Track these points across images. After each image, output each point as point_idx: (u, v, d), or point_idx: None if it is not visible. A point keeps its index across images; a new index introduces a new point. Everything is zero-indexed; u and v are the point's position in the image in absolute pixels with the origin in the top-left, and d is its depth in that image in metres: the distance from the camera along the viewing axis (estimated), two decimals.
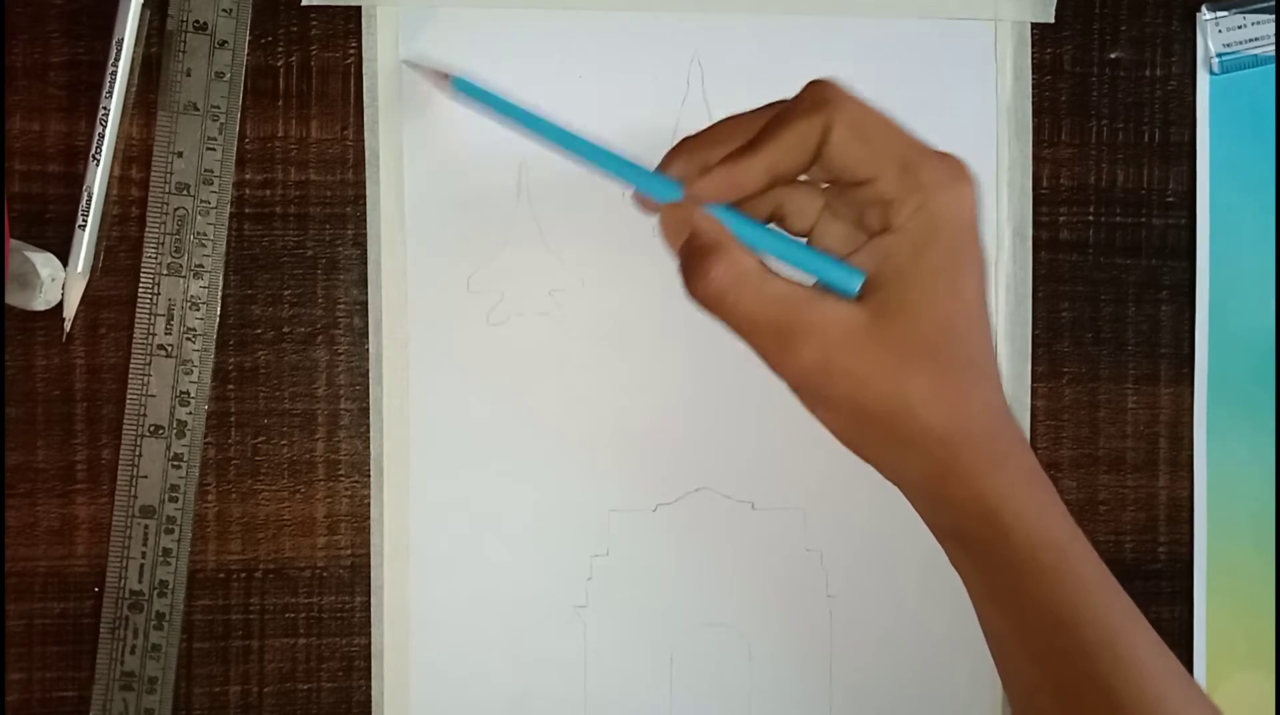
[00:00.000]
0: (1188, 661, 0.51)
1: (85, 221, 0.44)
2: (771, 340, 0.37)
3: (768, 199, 0.39)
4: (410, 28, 0.46)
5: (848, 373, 0.37)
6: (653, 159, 0.38)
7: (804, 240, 0.39)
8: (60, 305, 0.44)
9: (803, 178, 0.38)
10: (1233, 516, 0.51)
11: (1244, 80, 0.50)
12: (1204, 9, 0.50)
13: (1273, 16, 0.50)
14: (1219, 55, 0.49)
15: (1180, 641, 0.51)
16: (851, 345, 0.36)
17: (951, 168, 0.37)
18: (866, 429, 0.39)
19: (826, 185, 0.39)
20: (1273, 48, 0.50)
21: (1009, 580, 0.39)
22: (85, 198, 0.44)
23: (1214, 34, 0.49)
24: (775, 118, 0.37)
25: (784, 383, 0.38)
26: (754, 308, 0.37)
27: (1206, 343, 0.50)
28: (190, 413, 0.45)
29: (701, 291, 0.37)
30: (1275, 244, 0.50)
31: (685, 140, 0.38)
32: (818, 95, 0.37)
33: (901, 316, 0.37)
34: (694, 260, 0.37)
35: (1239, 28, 0.50)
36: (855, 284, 0.37)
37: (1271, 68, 0.50)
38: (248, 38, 0.45)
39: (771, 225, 0.39)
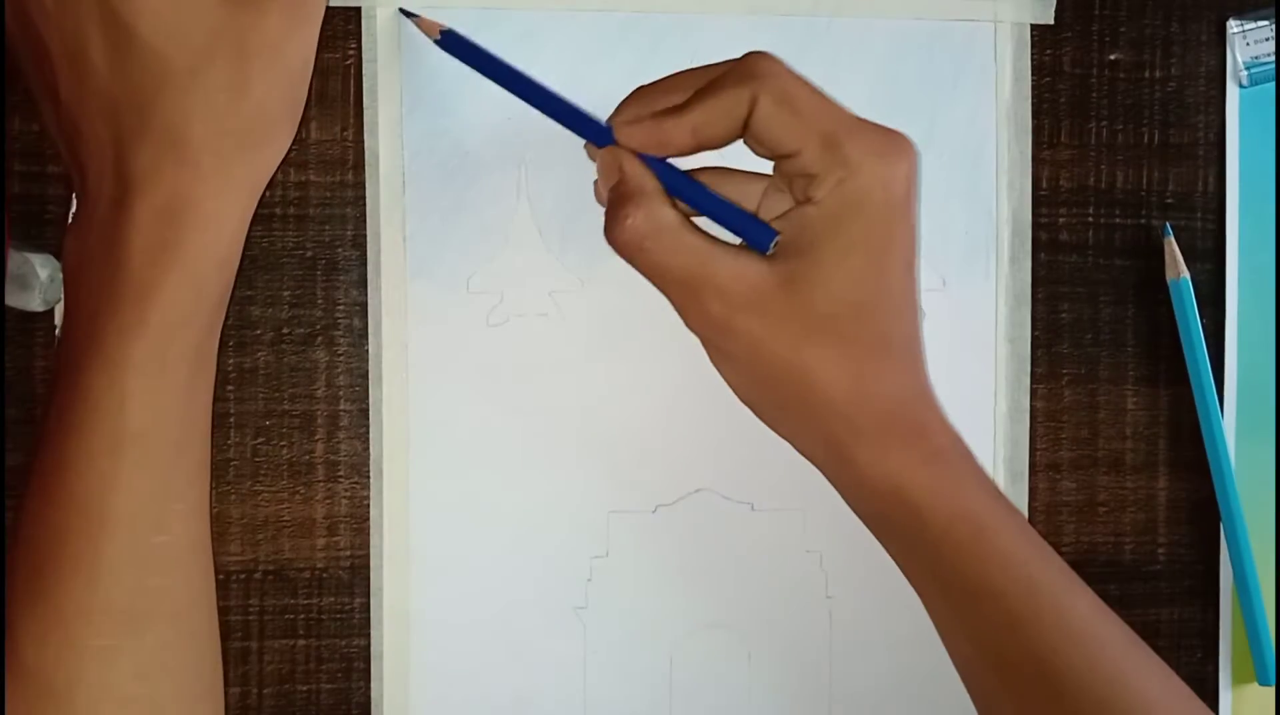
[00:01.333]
0: (1205, 666, 0.51)
1: (65, 234, 0.44)
2: (681, 290, 0.38)
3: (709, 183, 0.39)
4: (410, 28, 0.46)
5: (748, 332, 0.37)
6: None
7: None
8: (59, 306, 0.44)
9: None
10: (1256, 520, 0.50)
11: (1265, 90, 0.50)
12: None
13: None
14: (1247, 67, 0.49)
15: (1181, 643, 0.51)
16: (755, 306, 0.37)
17: (885, 143, 0.37)
18: (763, 390, 0.39)
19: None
20: None
21: (929, 557, 0.39)
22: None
23: (1241, 46, 0.49)
24: (706, 86, 0.38)
25: (692, 333, 0.39)
26: (666, 257, 0.37)
27: (1236, 347, 0.50)
28: None
29: (618, 237, 0.38)
30: (1276, 245, 0.50)
31: (640, 88, 0.39)
32: (750, 68, 0.37)
33: (807, 286, 0.37)
34: (616, 206, 0.38)
35: (1266, 39, 0.50)
36: (768, 242, 0.37)
37: None
38: None
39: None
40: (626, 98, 0.39)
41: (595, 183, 0.41)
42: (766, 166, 0.40)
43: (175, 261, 0.37)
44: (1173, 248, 0.49)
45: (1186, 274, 0.48)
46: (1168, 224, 0.49)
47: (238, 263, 0.39)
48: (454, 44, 0.42)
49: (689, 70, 0.39)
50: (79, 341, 0.37)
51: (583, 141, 0.41)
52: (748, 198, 0.40)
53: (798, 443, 0.40)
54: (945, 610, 0.41)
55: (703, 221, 0.39)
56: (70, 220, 0.40)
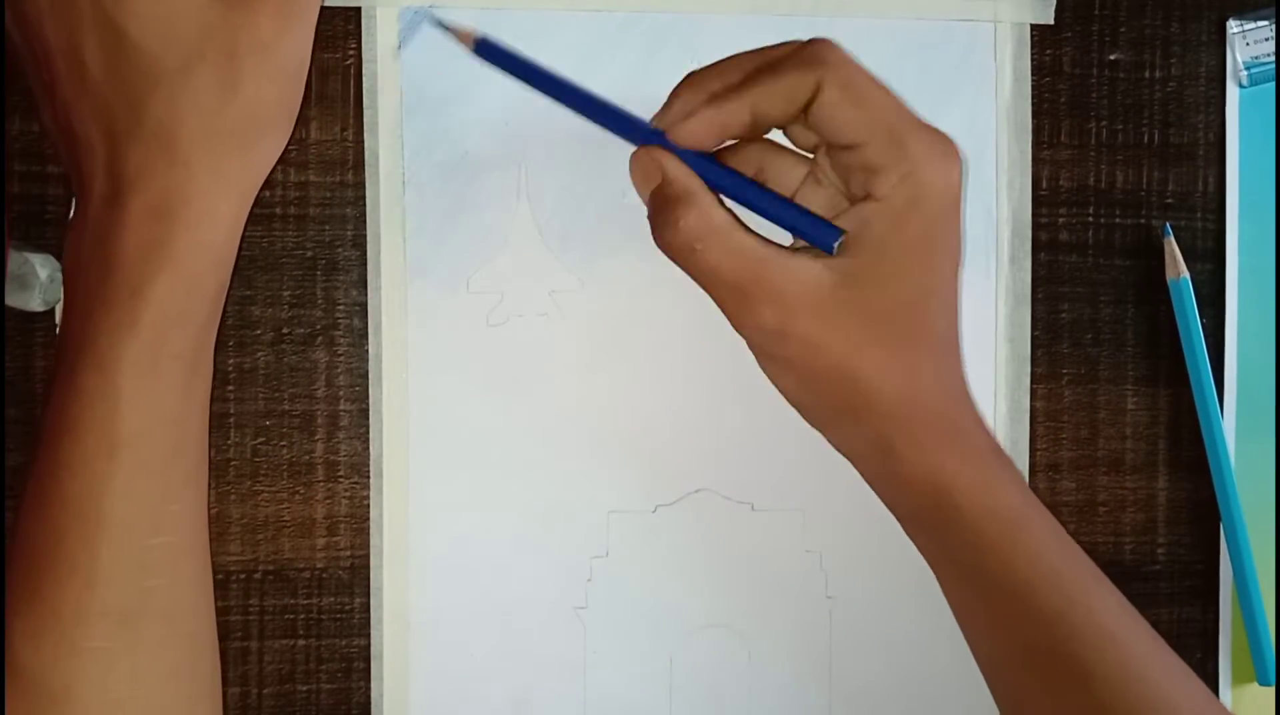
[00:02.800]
0: (1205, 666, 0.51)
1: (65, 234, 0.44)
2: (734, 296, 0.37)
3: (750, 157, 0.39)
4: (410, 29, 0.46)
5: (804, 337, 0.37)
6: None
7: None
8: (59, 306, 0.44)
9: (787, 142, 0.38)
10: (1257, 521, 0.50)
11: (1265, 90, 0.50)
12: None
13: None
14: (1247, 68, 0.49)
15: (1181, 644, 0.50)
16: (811, 309, 0.36)
17: (942, 143, 0.37)
18: (817, 395, 0.39)
19: (811, 156, 0.39)
20: None
21: (963, 554, 0.39)
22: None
23: (1241, 46, 0.49)
24: (768, 64, 0.37)
25: (741, 338, 0.38)
26: (720, 261, 0.36)
27: (1236, 347, 0.50)
28: None
29: (669, 240, 0.37)
30: (1276, 245, 0.50)
31: (691, 74, 0.38)
32: (815, 53, 0.36)
33: (870, 285, 0.37)
34: (665, 208, 0.37)
35: (1266, 39, 0.50)
36: (833, 241, 0.37)
37: None
38: None
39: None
40: (676, 88, 0.38)
41: (631, 171, 0.39)
42: None
43: (167, 260, 0.36)
44: (1173, 248, 0.49)
45: (1186, 274, 0.48)
46: (1168, 224, 0.49)
47: (233, 262, 0.39)
48: (490, 52, 0.41)
49: (745, 53, 0.38)
50: (74, 341, 0.37)
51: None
52: (787, 178, 0.39)
53: (843, 442, 0.40)
54: (976, 607, 0.41)
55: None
56: (70, 220, 0.40)
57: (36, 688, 0.36)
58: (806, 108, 0.36)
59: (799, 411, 0.40)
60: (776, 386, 0.39)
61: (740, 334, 0.38)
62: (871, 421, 0.38)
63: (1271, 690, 0.50)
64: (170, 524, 0.38)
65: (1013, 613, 0.39)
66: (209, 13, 0.37)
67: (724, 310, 0.38)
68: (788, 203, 0.38)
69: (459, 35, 0.41)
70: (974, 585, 0.40)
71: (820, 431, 0.40)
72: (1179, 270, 0.48)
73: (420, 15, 0.46)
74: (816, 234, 0.37)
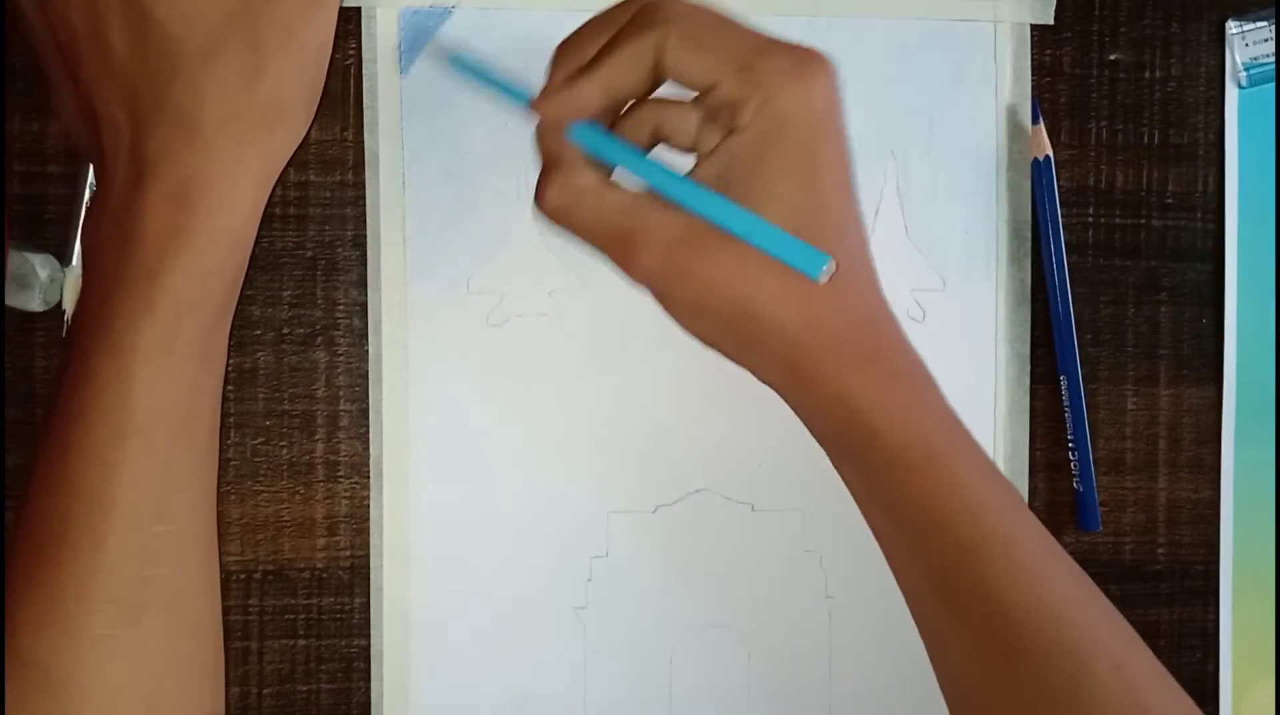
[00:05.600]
0: (1205, 666, 0.51)
1: (83, 217, 0.44)
2: (615, 247, 0.38)
3: (645, 120, 0.39)
4: (410, 29, 0.46)
5: (689, 273, 0.37)
6: None
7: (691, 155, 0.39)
8: (59, 306, 0.44)
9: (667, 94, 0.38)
10: (1257, 522, 0.50)
11: (1265, 90, 0.50)
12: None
13: None
14: (1246, 68, 0.49)
15: (1181, 643, 0.51)
16: (691, 246, 0.37)
17: (798, 63, 0.37)
18: (720, 330, 0.39)
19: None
20: None
21: (880, 479, 0.39)
22: (86, 193, 0.44)
23: (1241, 47, 0.49)
24: (610, 41, 0.37)
25: (636, 285, 0.38)
26: (592, 220, 0.37)
27: (1235, 347, 0.50)
28: None
29: (543, 207, 0.38)
30: (1276, 250, 0.50)
31: (560, 45, 0.39)
32: (650, 12, 0.37)
33: None
34: (539, 178, 0.38)
35: (1265, 40, 0.50)
36: (820, 268, 0.36)
37: None
38: None
39: (659, 148, 0.39)
40: (551, 60, 0.39)
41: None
42: None
43: (185, 246, 0.37)
44: (1041, 133, 0.49)
45: (1050, 153, 0.48)
46: (1036, 103, 0.49)
47: (249, 250, 0.39)
48: (462, 66, 0.42)
49: (594, 19, 0.38)
50: (89, 326, 0.37)
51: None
52: (683, 131, 0.39)
53: (758, 373, 0.40)
54: (894, 537, 0.40)
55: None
56: (88, 205, 0.40)
57: (37, 675, 0.36)
58: (656, 68, 0.37)
59: (710, 347, 0.40)
60: (682, 327, 0.39)
61: (635, 283, 0.38)
62: (775, 349, 0.38)
63: (1271, 690, 0.50)
64: (177, 512, 0.38)
65: (928, 544, 0.39)
66: None
67: (615, 265, 0.38)
68: (650, 162, 0.38)
69: (434, 53, 0.42)
70: (891, 514, 0.40)
71: (736, 363, 0.40)
72: (1044, 149, 0.48)
73: (424, 32, 0.46)
74: (803, 262, 0.37)
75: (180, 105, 0.36)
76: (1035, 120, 0.48)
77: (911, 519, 0.39)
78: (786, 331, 0.37)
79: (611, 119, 0.39)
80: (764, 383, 0.40)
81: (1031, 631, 0.38)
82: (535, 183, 0.38)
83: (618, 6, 0.38)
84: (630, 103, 0.39)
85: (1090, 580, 0.40)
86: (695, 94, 0.38)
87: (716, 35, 0.37)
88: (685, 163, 0.38)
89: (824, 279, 0.36)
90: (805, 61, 0.37)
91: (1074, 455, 0.49)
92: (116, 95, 0.37)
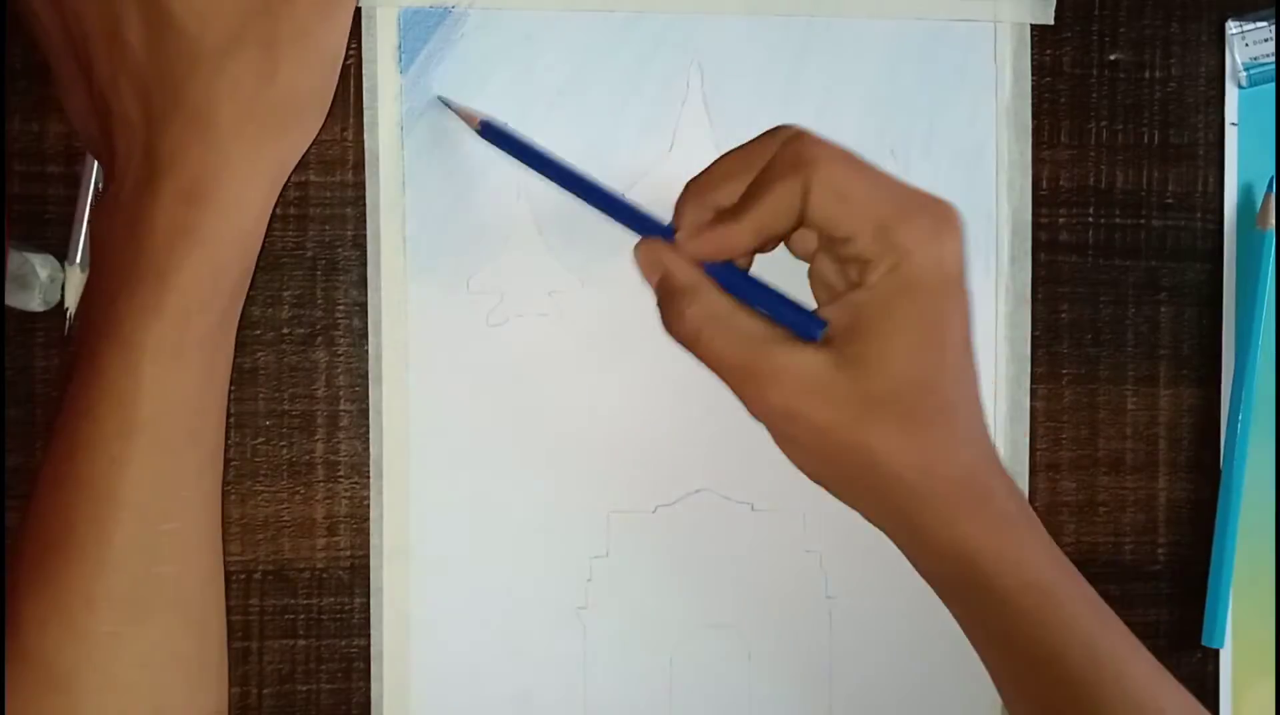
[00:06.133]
0: (1205, 667, 0.51)
1: (86, 215, 0.44)
2: (741, 380, 0.38)
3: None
4: (410, 28, 0.46)
5: (809, 417, 0.37)
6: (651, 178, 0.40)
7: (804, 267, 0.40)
8: (59, 306, 0.44)
9: None
10: (1256, 523, 0.50)
11: (1264, 90, 0.50)
12: (1231, 22, 0.50)
13: None
14: (1246, 68, 0.49)
15: (1181, 644, 0.51)
16: (814, 394, 0.37)
17: (934, 223, 0.37)
18: (834, 473, 0.39)
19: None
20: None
21: (993, 622, 0.40)
22: (87, 191, 0.44)
23: (1240, 47, 0.49)
24: (757, 181, 0.37)
25: (755, 419, 0.39)
26: (724, 348, 0.38)
27: (1232, 348, 0.50)
28: None
29: (677, 330, 0.38)
30: (1276, 251, 0.50)
31: (691, 183, 0.39)
32: (796, 156, 0.37)
33: (863, 369, 0.37)
34: (670, 300, 0.38)
35: (1265, 40, 0.50)
36: (817, 331, 0.37)
37: None
38: None
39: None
40: (681, 197, 0.39)
41: (636, 260, 0.40)
42: None
43: (195, 244, 0.37)
44: (1270, 201, 0.48)
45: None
46: (1230, 20, 0.49)
47: (258, 249, 0.39)
48: (492, 134, 0.42)
49: (733, 154, 0.39)
50: (97, 324, 0.37)
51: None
52: (803, 244, 0.39)
53: (868, 515, 0.40)
54: (1008, 673, 0.41)
55: None
56: (94, 202, 0.40)
57: (41, 671, 0.36)
58: (803, 210, 0.37)
59: (822, 486, 0.40)
60: (796, 465, 0.40)
61: (754, 417, 0.39)
62: (890, 497, 0.38)
63: (1271, 691, 0.50)
64: (183, 510, 0.38)
65: (1042, 680, 0.39)
66: None
67: (737, 394, 0.38)
68: (774, 293, 0.38)
69: (462, 116, 0.42)
70: (1004, 651, 0.40)
71: (846, 504, 0.40)
72: (1268, 222, 0.48)
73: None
74: (801, 325, 0.38)
75: (195, 103, 0.37)
76: (1271, 188, 0.48)
77: (1026, 656, 0.39)
78: (902, 478, 0.37)
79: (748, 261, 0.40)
80: (871, 522, 0.40)
81: None
82: (658, 304, 0.39)
83: (754, 145, 0.38)
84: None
85: (1196, 702, 0.40)
86: None
87: (859, 188, 0.37)
88: None
89: (820, 339, 0.37)
90: (941, 224, 0.37)
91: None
92: (131, 92, 0.37)
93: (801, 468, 0.40)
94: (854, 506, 0.40)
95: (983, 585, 0.39)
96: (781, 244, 0.39)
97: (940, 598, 0.41)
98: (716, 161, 0.39)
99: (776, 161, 0.37)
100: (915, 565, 0.41)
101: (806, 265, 0.40)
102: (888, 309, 0.37)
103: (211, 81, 0.37)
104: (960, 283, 0.37)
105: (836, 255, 0.38)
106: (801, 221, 0.37)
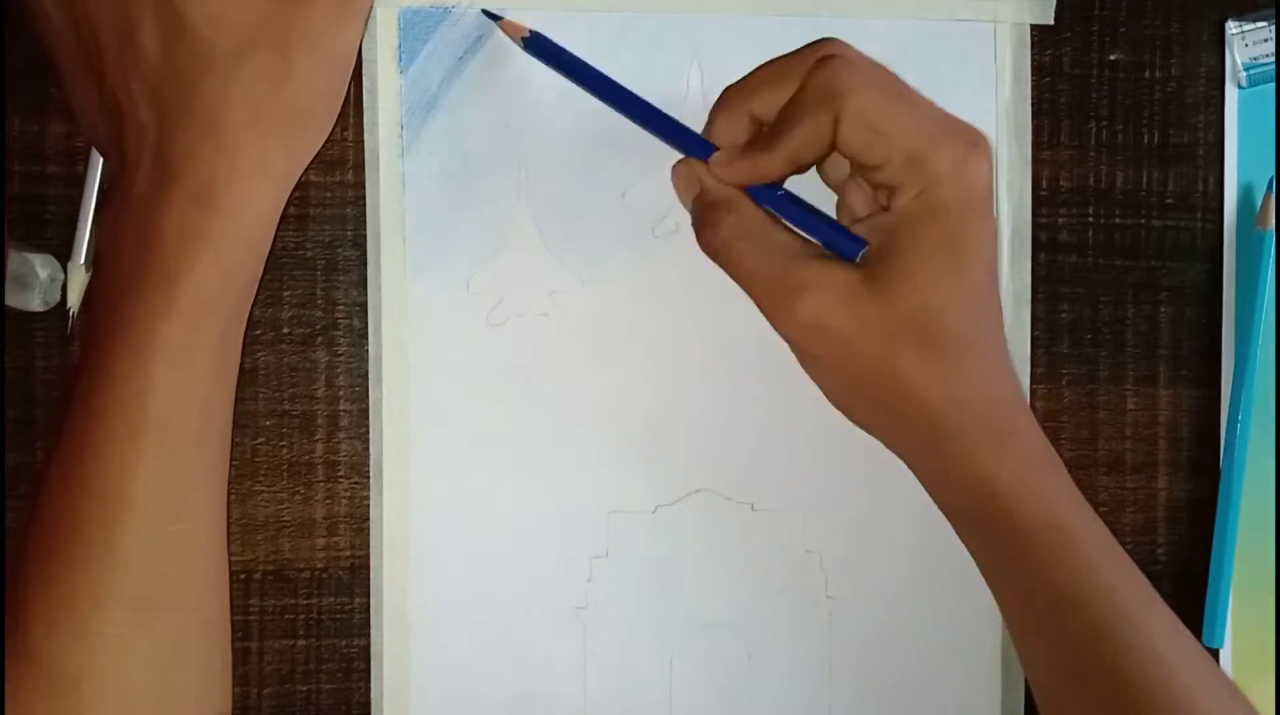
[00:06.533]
0: None
1: (88, 213, 0.44)
2: (771, 293, 0.38)
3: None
4: (410, 28, 0.46)
5: (839, 334, 0.37)
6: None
7: (832, 194, 0.41)
8: (59, 306, 0.44)
9: None
10: (1257, 522, 0.50)
11: (1264, 91, 0.50)
12: (1231, 22, 0.50)
13: None
14: (1246, 69, 0.49)
15: None
16: (845, 307, 0.37)
17: (962, 150, 0.38)
18: (858, 395, 0.39)
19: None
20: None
21: (1013, 560, 0.39)
22: (92, 189, 0.44)
23: (1240, 47, 0.49)
24: (789, 109, 0.38)
25: (781, 337, 0.39)
26: (756, 261, 0.38)
27: (1232, 347, 0.50)
28: None
29: (710, 241, 0.39)
30: (1276, 251, 0.50)
31: (728, 91, 0.40)
32: (829, 84, 0.37)
33: (891, 289, 0.37)
34: (707, 212, 0.39)
35: (1265, 40, 0.50)
36: (856, 251, 0.38)
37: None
38: None
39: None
40: (717, 104, 0.40)
41: (673, 180, 0.41)
42: None
43: (205, 247, 0.37)
44: (1270, 201, 0.48)
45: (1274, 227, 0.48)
46: (1230, 20, 0.49)
47: (267, 251, 0.39)
48: (540, 47, 0.42)
49: (771, 65, 0.39)
50: (106, 325, 0.37)
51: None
52: (835, 170, 0.40)
53: (890, 442, 0.41)
54: (1025, 615, 0.40)
55: None
56: (102, 200, 0.40)
57: (48, 673, 0.36)
58: (834, 138, 0.38)
59: (844, 413, 0.40)
60: (818, 385, 0.40)
61: (779, 332, 0.39)
62: (914, 423, 0.38)
63: (1272, 692, 0.50)
64: (191, 512, 0.38)
65: (1059, 623, 0.39)
66: (266, 3, 0.37)
67: (763, 310, 0.39)
68: (814, 213, 0.39)
69: (509, 30, 0.42)
70: (1021, 591, 0.40)
71: (867, 431, 0.40)
72: (1268, 222, 0.48)
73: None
74: (841, 243, 0.38)
75: (207, 106, 0.37)
76: (1270, 188, 0.48)
77: (1044, 598, 0.39)
78: (927, 404, 0.38)
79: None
80: (894, 452, 0.40)
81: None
82: (693, 220, 0.39)
83: (794, 59, 0.39)
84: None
85: (1213, 661, 0.40)
86: None
87: (890, 119, 0.37)
88: None
89: (859, 260, 0.38)
90: (970, 150, 0.38)
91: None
92: (144, 94, 0.37)
93: (825, 391, 0.40)
94: (876, 434, 0.40)
95: (1003, 521, 0.38)
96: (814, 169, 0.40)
97: (958, 534, 0.41)
98: (754, 71, 0.39)
99: (809, 89, 0.38)
100: (935, 499, 0.40)
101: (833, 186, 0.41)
102: (914, 231, 0.37)
103: (224, 84, 0.37)
104: (987, 207, 0.38)
105: (867, 180, 0.39)
106: (833, 149, 0.38)
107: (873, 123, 0.37)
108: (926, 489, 0.40)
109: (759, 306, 0.39)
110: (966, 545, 0.41)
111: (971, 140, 0.38)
